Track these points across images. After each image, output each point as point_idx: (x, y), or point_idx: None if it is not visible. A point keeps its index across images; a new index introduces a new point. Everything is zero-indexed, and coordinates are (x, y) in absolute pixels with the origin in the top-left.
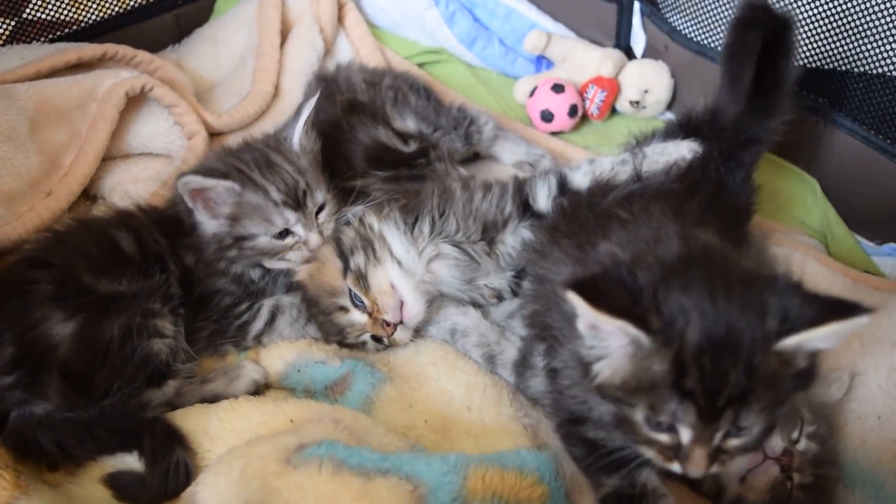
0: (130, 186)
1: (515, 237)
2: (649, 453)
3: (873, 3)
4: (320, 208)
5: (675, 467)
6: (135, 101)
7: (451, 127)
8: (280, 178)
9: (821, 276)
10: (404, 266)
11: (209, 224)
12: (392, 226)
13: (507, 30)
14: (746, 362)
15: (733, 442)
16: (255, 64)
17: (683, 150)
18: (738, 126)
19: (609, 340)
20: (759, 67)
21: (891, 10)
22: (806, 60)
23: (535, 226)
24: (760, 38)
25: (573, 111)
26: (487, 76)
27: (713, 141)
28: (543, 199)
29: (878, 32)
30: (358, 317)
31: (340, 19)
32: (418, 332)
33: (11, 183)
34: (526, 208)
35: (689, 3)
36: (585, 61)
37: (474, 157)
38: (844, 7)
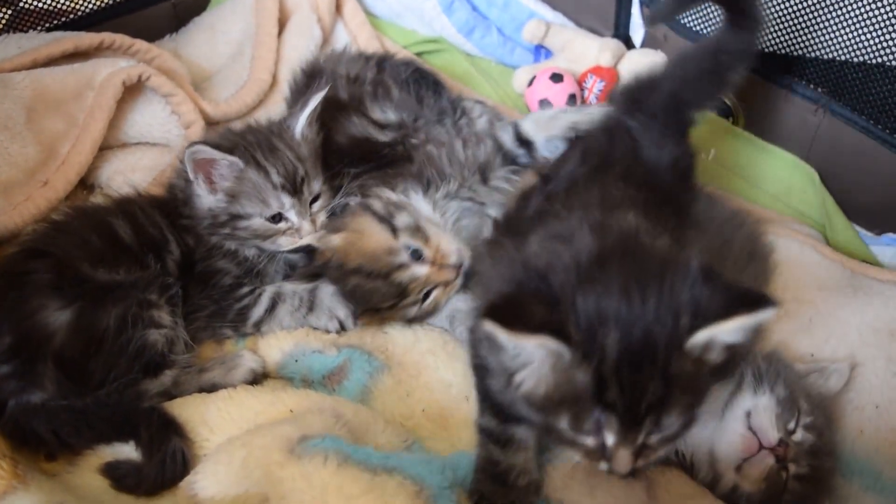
0: (128, 176)
1: (504, 171)
2: (576, 455)
3: None
4: (315, 199)
5: (603, 466)
6: (132, 91)
7: (436, 118)
8: (281, 162)
9: (819, 265)
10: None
11: (206, 198)
12: (412, 194)
13: (505, 19)
14: (663, 370)
15: (655, 437)
16: (252, 53)
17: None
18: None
19: (532, 352)
20: None
21: (889, 0)
22: (804, 50)
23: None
24: None
25: (572, 101)
26: (486, 65)
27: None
28: (510, 140)
29: (876, 22)
30: (420, 269)
31: (338, 8)
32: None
33: (8, 172)
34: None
35: None
36: (584, 51)
37: None
38: None
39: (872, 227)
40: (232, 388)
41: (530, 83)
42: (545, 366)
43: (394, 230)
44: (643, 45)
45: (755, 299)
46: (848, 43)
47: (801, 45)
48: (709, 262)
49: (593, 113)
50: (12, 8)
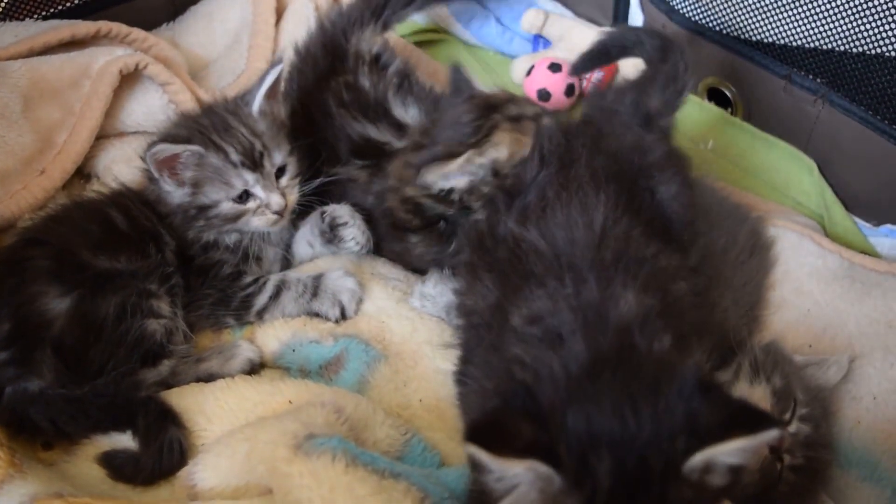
0: (125, 165)
1: None
2: None
3: None
4: (281, 171)
5: None
6: (129, 79)
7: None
8: (237, 140)
9: (817, 256)
10: None
11: (175, 194)
12: None
13: (504, 8)
14: (660, 498)
15: None
16: (249, 42)
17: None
18: None
19: (519, 476)
20: None
21: None
22: (803, 40)
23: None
24: None
25: (570, 91)
26: (484, 55)
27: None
28: None
29: (876, 11)
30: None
31: None
32: None
33: (5, 161)
34: None
35: None
36: (583, 40)
37: None
38: None
39: (871, 218)
40: (230, 378)
41: (529, 73)
42: (533, 490)
43: None
44: None
45: (756, 419)
46: (847, 33)
47: (800, 35)
48: (707, 375)
49: None
50: None
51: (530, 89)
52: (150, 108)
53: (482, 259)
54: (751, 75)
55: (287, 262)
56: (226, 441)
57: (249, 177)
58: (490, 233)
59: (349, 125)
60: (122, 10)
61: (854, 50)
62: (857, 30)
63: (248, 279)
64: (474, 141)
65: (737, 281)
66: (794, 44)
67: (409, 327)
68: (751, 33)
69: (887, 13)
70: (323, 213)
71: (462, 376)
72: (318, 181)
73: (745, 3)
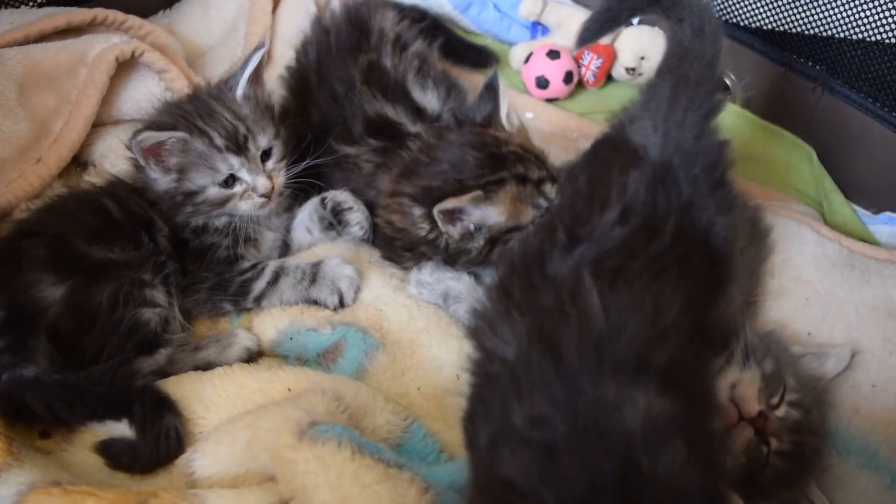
0: (121, 153)
1: None
2: None
3: None
4: (267, 154)
5: None
6: (125, 67)
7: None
8: (220, 124)
9: (817, 244)
10: None
11: (161, 181)
12: None
13: None
14: None
15: None
16: (246, 30)
17: None
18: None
19: None
20: None
21: None
22: (803, 27)
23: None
24: None
25: (568, 78)
26: (482, 42)
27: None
28: None
29: None
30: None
31: None
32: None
33: (0, 149)
34: None
35: None
36: None
37: None
38: None
39: (870, 206)
40: (227, 366)
41: (527, 60)
42: None
43: None
44: (640, 21)
45: None
46: (846, 20)
47: (800, 22)
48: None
49: None
50: None
51: (528, 76)
52: (147, 96)
53: (521, 292)
54: (750, 63)
55: (287, 248)
56: (226, 429)
57: (234, 161)
58: (539, 264)
59: (368, 102)
60: None
61: (854, 37)
62: (856, 17)
63: (246, 264)
64: (478, 185)
65: (736, 269)
66: (794, 31)
67: (407, 315)
68: (750, 20)
69: (887, 0)
70: (324, 199)
71: (470, 423)
72: (304, 163)
73: None
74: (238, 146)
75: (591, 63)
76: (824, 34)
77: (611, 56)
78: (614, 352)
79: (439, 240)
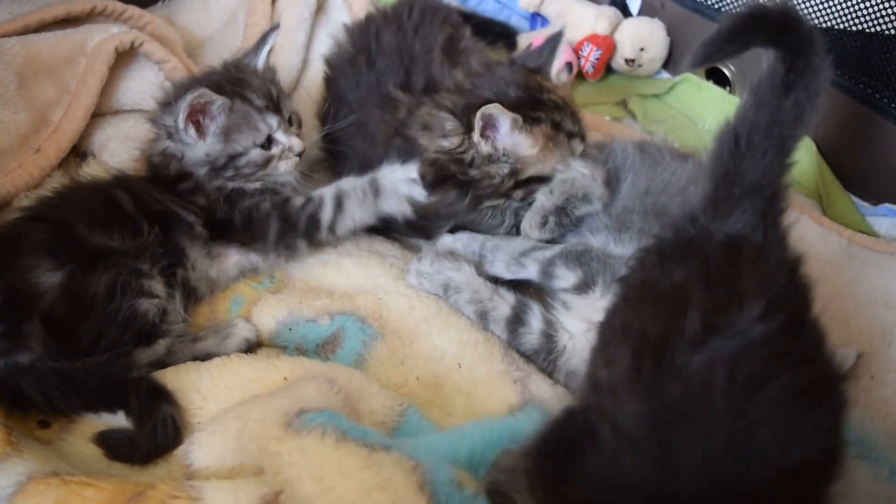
0: (121, 143)
1: None
2: None
3: None
4: (290, 120)
5: None
6: (124, 57)
7: None
8: (254, 87)
9: (815, 235)
10: None
11: (199, 146)
12: None
13: None
14: None
15: None
16: (246, 20)
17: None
18: None
19: None
20: None
21: None
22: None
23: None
24: None
25: (568, 69)
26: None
27: None
28: None
29: None
30: None
31: None
32: None
33: (0, 139)
34: None
35: None
36: (581, 19)
37: None
38: None
39: (869, 198)
40: (226, 357)
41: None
42: None
43: None
44: (640, 13)
45: None
46: (846, 11)
47: (799, 13)
48: None
49: None
50: None
51: None
52: (147, 86)
53: (647, 375)
54: (750, 54)
55: None
56: (219, 419)
57: (273, 120)
58: (665, 352)
59: (445, 73)
60: None
61: (853, 28)
62: (856, 8)
63: (300, 200)
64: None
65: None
66: None
67: (407, 305)
68: None
69: None
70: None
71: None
72: (327, 128)
73: None
74: (276, 105)
75: (591, 54)
76: (823, 25)
77: (610, 47)
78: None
79: (466, 153)
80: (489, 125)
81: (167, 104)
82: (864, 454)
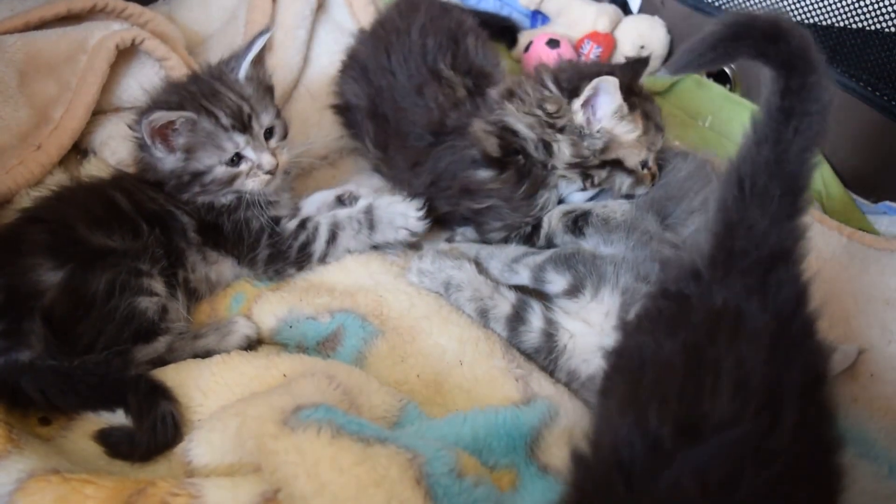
0: (122, 141)
1: None
2: None
3: None
4: (270, 132)
5: None
6: (125, 54)
7: None
8: (225, 104)
9: (816, 233)
10: None
11: (166, 160)
12: None
13: None
14: None
15: None
16: (246, 17)
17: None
18: None
19: None
20: None
21: None
22: (802, 16)
23: None
24: None
25: None
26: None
27: None
28: None
29: None
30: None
31: None
32: None
33: (0, 136)
34: None
35: None
36: (581, 16)
37: None
38: None
39: (869, 195)
40: (226, 354)
41: (527, 49)
42: None
43: None
44: (640, 10)
45: None
46: (845, 9)
47: (799, 10)
48: None
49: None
50: None
51: (529, 65)
52: (148, 84)
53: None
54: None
55: None
56: (218, 416)
57: (240, 139)
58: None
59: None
60: None
61: (853, 26)
62: (855, 5)
63: (293, 224)
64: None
65: None
66: (793, 20)
67: (407, 302)
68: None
69: None
70: (340, 196)
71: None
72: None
73: None
74: (243, 124)
75: (591, 52)
76: (823, 23)
77: (611, 45)
78: None
79: (560, 121)
80: (596, 95)
81: (142, 112)
82: (863, 452)
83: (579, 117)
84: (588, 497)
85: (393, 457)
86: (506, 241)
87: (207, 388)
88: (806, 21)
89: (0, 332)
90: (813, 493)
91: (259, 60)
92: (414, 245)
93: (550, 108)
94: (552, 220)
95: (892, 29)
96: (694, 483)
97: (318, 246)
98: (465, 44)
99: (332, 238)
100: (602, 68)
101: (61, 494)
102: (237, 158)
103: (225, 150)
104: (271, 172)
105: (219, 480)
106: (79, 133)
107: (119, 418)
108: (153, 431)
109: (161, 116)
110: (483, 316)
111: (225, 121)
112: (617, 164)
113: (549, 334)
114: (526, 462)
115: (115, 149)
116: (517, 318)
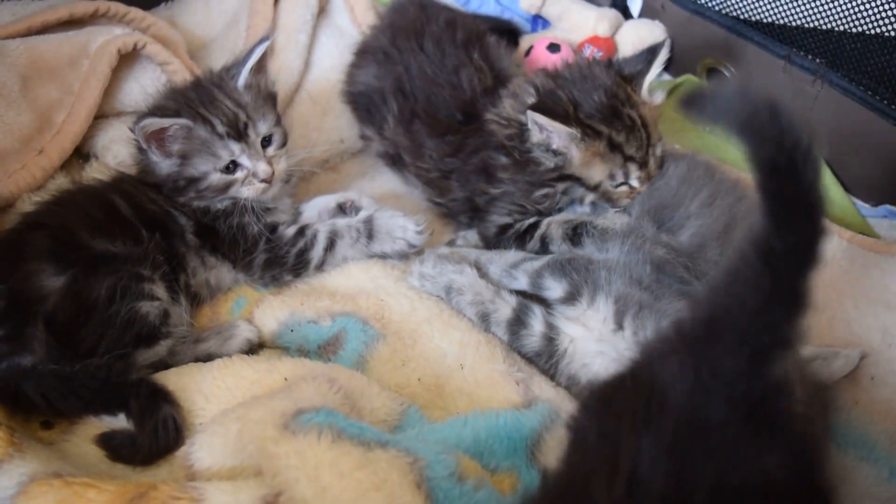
0: (123, 145)
1: None
2: None
3: None
4: (267, 140)
5: None
6: (127, 59)
7: None
8: (222, 112)
9: None
10: None
11: (163, 164)
12: None
13: None
14: None
15: None
16: (247, 22)
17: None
18: None
19: None
20: None
21: None
22: (803, 20)
23: None
24: None
25: None
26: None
27: None
28: None
29: None
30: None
31: None
32: None
33: (3, 140)
34: None
35: None
36: (582, 21)
37: None
38: None
39: (869, 199)
40: (227, 358)
41: (528, 53)
42: None
43: None
44: (641, 15)
45: None
46: (846, 13)
47: (799, 14)
48: None
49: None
50: None
51: (529, 69)
52: (149, 88)
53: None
54: (750, 55)
55: None
56: (219, 420)
57: (235, 147)
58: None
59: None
60: None
61: (853, 30)
62: (856, 9)
63: (291, 231)
64: (580, 124)
65: None
66: (794, 24)
67: (409, 306)
68: (750, 13)
69: None
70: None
71: None
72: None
73: None
74: (238, 133)
75: (592, 56)
76: (824, 27)
77: (611, 49)
78: None
79: (525, 135)
80: (544, 129)
81: (139, 117)
82: (864, 455)
83: (536, 136)
84: None
85: (393, 461)
86: (505, 231)
87: (209, 392)
88: (806, 25)
89: (2, 336)
90: None
91: (260, 68)
92: None
93: (523, 120)
94: (551, 224)
95: (893, 33)
96: None
97: (316, 253)
98: (487, 41)
99: (330, 246)
100: (562, 77)
101: (63, 498)
102: (233, 166)
103: (220, 158)
104: (267, 181)
105: (220, 484)
106: (81, 137)
107: (121, 422)
108: (155, 435)
109: (153, 123)
110: (484, 320)
111: (220, 129)
112: (576, 180)
113: (550, 338)
114: (527, 465)
115: (117, 153)
116: (518, 322)
